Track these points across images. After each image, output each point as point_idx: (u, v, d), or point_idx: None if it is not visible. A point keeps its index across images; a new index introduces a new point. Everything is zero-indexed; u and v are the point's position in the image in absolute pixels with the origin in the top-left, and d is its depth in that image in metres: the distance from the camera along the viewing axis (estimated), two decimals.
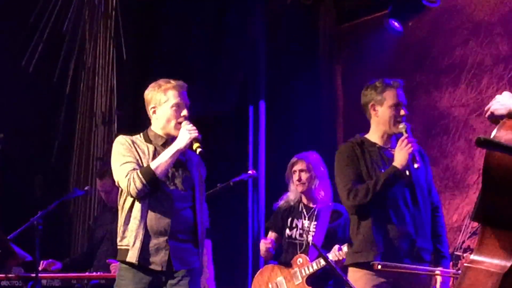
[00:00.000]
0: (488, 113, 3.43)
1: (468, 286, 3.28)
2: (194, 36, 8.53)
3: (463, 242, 4.45)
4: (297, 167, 6.33)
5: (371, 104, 5.08)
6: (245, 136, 8.28)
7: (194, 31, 8.51)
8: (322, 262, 5.93)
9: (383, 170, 4.96)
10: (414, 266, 4.83)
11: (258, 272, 6.50)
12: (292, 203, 6.40)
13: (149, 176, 4.69)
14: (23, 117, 7.91)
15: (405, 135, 4.91)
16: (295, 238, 6.31)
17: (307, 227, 6.28)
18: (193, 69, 8.51)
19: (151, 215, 4.75)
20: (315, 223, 6.27)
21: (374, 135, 5.11)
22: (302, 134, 7.95)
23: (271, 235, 6.50)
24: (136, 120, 8.16)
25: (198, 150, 4.80)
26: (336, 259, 5.90)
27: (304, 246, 6.24)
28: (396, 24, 7.50)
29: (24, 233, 6.12)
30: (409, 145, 4.88)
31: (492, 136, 3.24)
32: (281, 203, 6.47)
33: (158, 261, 4.74)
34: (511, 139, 3.22)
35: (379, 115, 5.07)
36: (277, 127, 8.25)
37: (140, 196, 4.71)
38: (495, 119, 3.39)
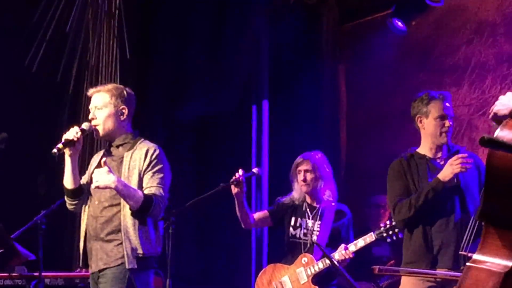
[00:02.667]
0: (492, 114, 3.44)
1: (470, 285, 3.29)
2: (197, 36, 8.52)
3: (469, 241, 4.44)
4: (302, 167, 6.32)
5: (417, 116, 5.23)
6: (248, 135, 8.28)
7: (197, 30, 8.51)
8: (328, 261, 5.94)
9: (429, 181, 5.08)
10: (425, 271, 4.93)
11: (261, 272, 6.50)
12: (296, 202, 6.40)
13: None
14: (27, 116, 7.92)
15: (464, 154, 4.98)
16: (299, 238, 6.31)
17: (311, 226, 6.28)
18: (196, 69, 8.51)
19: None
20: (319, 222, 6.27)
21: (424, 147, 5.26)
22: (305, 133, 7.95)
23: (265, 214, 6.48)
24: (139, 119, 8.16)
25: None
26: (343, 258, 5.94)
27: (308, 245, 6.24)
28: (399, 23, 7.49)
29: (28, 232, 6.12)
30: (459, 165, 4.96)
31: (494, 136, 3.24)
32: (286, 199, 6.46)
33: None
34: None
35: (425, 127, 5.21)
36: (280, 126, 8.25)
37: None
38: (499, 120, 3.40)
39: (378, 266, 5.00)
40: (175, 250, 5.19)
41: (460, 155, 5.00)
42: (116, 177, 4.82)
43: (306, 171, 6.31)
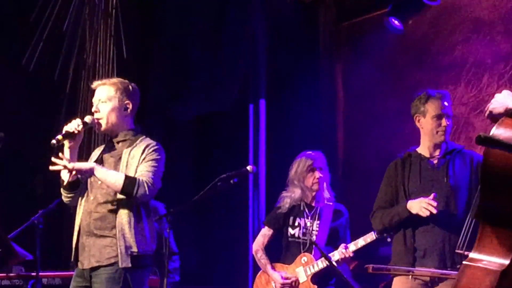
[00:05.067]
0: (487, 112, 3.45)
1: (466, 284, 3.29)
2: (194, 35, 8.52)
3: (465, 240, 4.45)
4: (316, 165, 6.32)
5: (416, 115, 5.27)
6: (245, 134, 8.27)
7: (194, 29, 8.51)
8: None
9: (420, 181, 5.14)
10: (416, 269, 4.96)
11: (260, 272, 6.49)
12: (294, 203, 6.39)
13: None
14: (23, 115, 7.91)
15: (434, 203, 4.97)
16: (298, 237, 6.30)
17: (310, 226, 6.28)
18: (193, 68, 8.52)
19: None
20: (318, 222, 6.28)
21: (422, 146, 5.30)
22: (302, 132, 7.95)
23: (268, 232, 6.49)
24: (136, 119, 8.16)
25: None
26: (343, 256, 5.96)
27: (307, 244, 6.24)
28: (396, 22, 7.48)
29: (25, 232, 6.12)
30: (423, 209, 4.97)
31: (491, 134, 3.24)
32: (280, 203, 6.45)
33: None
34: (509, 136, 3.22)
35: (423, 126, 5.24)
36: (277, 125, 8.25)
37: None
38: (495, 118, 3.40)
39: (372, 265, 5.03)
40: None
41: (431, 201, 4.97)
42: (91, 164, 4.83)
43: (319, 169, 6.32)
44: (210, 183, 5.32)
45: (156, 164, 4.91)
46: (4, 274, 6.18)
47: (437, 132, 5.18)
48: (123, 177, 4.78)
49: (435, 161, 5.19)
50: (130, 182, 4.77)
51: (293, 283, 6.17)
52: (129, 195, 4.79)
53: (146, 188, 4.79)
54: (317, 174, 6.29)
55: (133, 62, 8.29)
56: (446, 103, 5.20)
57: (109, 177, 4.79)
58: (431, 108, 5.18)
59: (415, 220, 5.06)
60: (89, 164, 4.88)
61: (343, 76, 8.40)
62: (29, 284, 6.15)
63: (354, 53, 8.26)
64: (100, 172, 4.80)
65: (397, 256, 5.15)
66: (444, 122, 5.15)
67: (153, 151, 4.94)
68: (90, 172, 4.82)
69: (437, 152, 5.22)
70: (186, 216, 7.94)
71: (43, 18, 7.98)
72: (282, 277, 6.19)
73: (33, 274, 6.02)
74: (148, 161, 4.90)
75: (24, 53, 7.96)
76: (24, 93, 7.96)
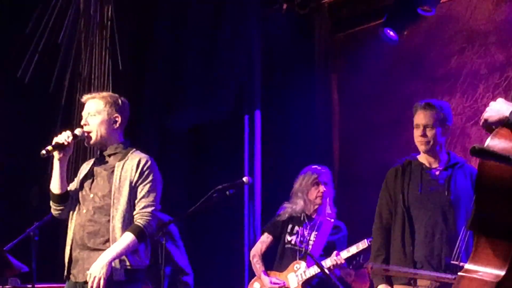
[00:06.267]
0: (482, 120, 3.43)
1: None
2: (189, 46, 8.53)
3: (460, 251, 4.45)
4: (321, 180, 6.36)
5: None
6: (240, 145, 8.28)
7: (189, 40, 8.52)
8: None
9: (420, 191, 5.09)
10: (416, 270, 4.96)
11: (253, 279, 6.52)
12: (295, 214, 6.42)
13: None
14: (19, 127, 7.90)
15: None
16: (295, 244, 6.34)
17: (307, 235, 6.31)
18: (188, 78, 8.52)
19: None
20: (316, 233, 6.31)
21: (421, 156, 5.25)
22: (298, 143, 7.96)
23: (267, 238, 6.52)
24: (132, 128, 8.16)
25: None
26: (334, 263, 5.98)
27: (303, 253, 6.26)
28: (391, 33, 7.49)
29: (20, 244, 6.11)
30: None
31: (485, 145, 3.24)
32: (281, 213, 6.48)
33: None
34: (504, 147, 3.21)
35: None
36: (272, 136, 8.26)
37: None
38: (489, 127, 3.39)
39: (371, 264, 5.04)
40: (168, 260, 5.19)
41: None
42: (106, 262, 4.78)
43: (324, 183, 6.36)
44: (205, 193, 5.32)
45: (153, 189, 4.97)
46: (0, 286, 6.16)
47: (417, 142, 5.18)
48: (132, 237, 4.82)
49: (437, 173, 5.17)
50: (139, 234, 4.84)
51: None
52: (146, 239, 4.92)
53: (152, 223, 4.91)
54: (322, 188, 6.35)
55: (129, 74, 8.30)
56: (426, 113, 5.15)
57: (125, 249, 4.83)
58: (415, 118, 5.20)
59: (414, 233, 5.05)
60: (103, 265, 4.80)
61: (338, 87, 8.40)
62: None
63: (349, 63, 8.27)
64: (115, 255, 4.81)
65: (397, 265, 5.09)
66: (419, 132, 5.13)
67: (147, 170, 4.98)
68: (109, 271, 4.79)
69: (435, 164, 5.20)
70: (181, 227, 7.93)
71: (38, 30, 7.99)
72: (271, 282, 6.23)
73: (29, 286, 6.01)
74: (145, 184, 4.95)
75: (20, 64, 7.96)
76: (20, 104, 7.96)
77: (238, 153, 8.25)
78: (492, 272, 3.23)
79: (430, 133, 5.12)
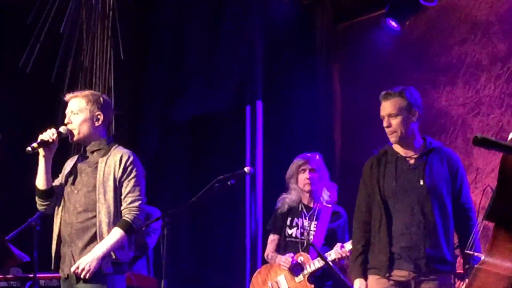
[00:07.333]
0: None
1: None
2: (191, 36, 8.52)
3: (474, 240, 4.40)
4: (306, 166, 6.34)
5: None
6: (242, 136, 8.27)
7: (191, 31, 8.51)
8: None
9: (395, 182, 5.01)
10: None
11: (256, 272, 6.51)
12: (292, 204, 6.40)
13: None
14: (21, 117, 7.90)
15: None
16: (296, 237, 6.32)
17: (308, 226, 6.29)
18: (191, 69, 8.51)
19: None
20: (316, 222, 6.29)
21: (395, 144, 5.15)
22: (300, 133, 7.95)
23: (274, 237, 6.50)
24: (133, 120, 8.16)
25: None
26: (339, 256, 5.96)
27: (305, 245, 6.25)
28: (393, 23, 7.50)
29: (22, 233, 6.11)
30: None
31: (509, 139, 3.19)
32: (279, 205, 6.47)
33: None
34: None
35: None
36: (274, 127, 8.25)
37: None
38: None
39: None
40: (170, 251, 5.18)
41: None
42: (96, 257, 4.95)
43: (310, 170, 6.33)
44: (207, 184, 5.33)
45: (138, 183, 5.13)
46: (1, 276, 6.16)
47: (387, 134, 5.10)
48: (121, 232, 5.01)
49: (412, 161, 5.04)
50: (128, 228, 5.03)
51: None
52: (135, 233, 5.12)
53: (140, 217, 5.09)
54: (307, 174, 6.31)
55: (130, 64, 8.29)
56: (386, 103, 5.09)
57: (114, 244, 5.01)
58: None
59: (391, 223, 4.99)
60: (93, 259, 4.98)
61: (340, 77, 8.40)
62: (26, 286, 6.13)
63: (351, 54, 8.27)
64: (106, 251, 4.98)
65: (376, 258, 5.02)
66: (384, 123, 5.08)
67: (131, 166, 5.13)
68: (97, 265, 4.97)
69: (411, 151, 5.08)
70: (183, 217, 7.94)
71: (40, 20, 7.98)
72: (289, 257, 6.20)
73: (31, 275, 6.01)
74: (130, 180, 5.11)
75: (21, 55, 7.95)
76: (21, 95, 7.95)
77: (239, 143, 8.25)
78: (509, 266, 3.19)
79: (394, 121, 5.02)
